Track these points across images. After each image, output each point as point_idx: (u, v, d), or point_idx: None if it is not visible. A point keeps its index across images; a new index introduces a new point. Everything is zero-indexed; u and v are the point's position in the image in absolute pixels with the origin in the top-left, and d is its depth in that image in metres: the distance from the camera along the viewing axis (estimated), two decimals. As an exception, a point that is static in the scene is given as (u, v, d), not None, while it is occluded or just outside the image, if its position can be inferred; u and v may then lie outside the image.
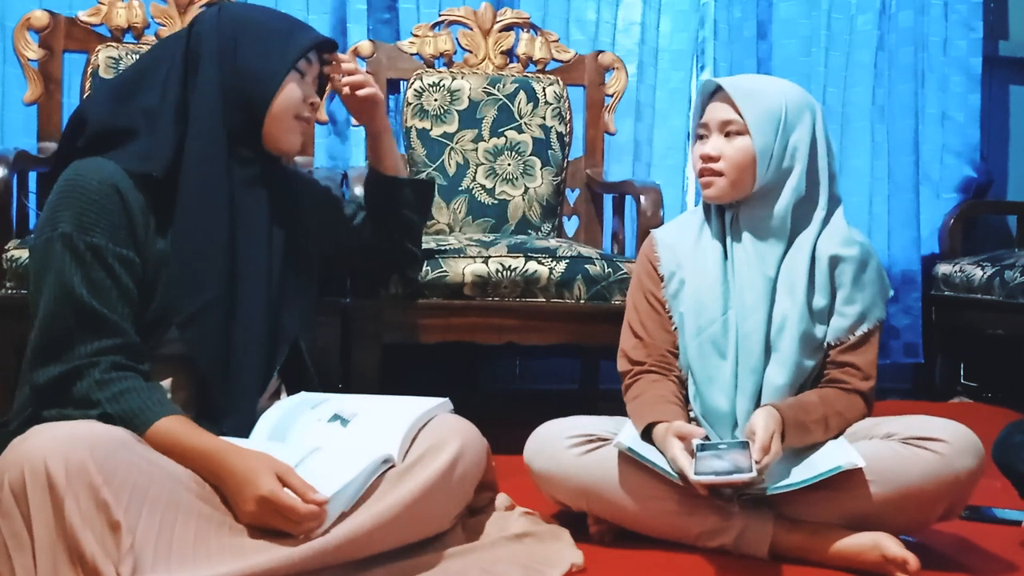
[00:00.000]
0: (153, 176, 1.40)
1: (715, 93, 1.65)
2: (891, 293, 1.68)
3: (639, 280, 1.74)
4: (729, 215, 1.66)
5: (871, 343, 1.62)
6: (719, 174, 1.61)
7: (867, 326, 1.61)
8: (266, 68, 1.48)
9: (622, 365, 1.71)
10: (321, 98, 1.60)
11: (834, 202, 1.66)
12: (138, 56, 2.41)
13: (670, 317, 1.68)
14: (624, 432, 1.57)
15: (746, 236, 1.63)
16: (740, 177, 1.61)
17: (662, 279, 1.69)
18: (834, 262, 1.61)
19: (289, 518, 1.25)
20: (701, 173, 1.63)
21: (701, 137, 1.65)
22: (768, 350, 1.59)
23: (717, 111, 1.63)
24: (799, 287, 1.59)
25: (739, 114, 1.60)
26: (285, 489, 1.26)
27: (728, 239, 1.65)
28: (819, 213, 1.63)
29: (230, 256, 1.45)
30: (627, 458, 1.52)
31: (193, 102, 1.44)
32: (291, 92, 1.50)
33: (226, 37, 1.46)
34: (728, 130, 1.61)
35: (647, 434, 1.56)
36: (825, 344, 1.61)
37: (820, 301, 1.60)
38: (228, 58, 1.46)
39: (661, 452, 1.51)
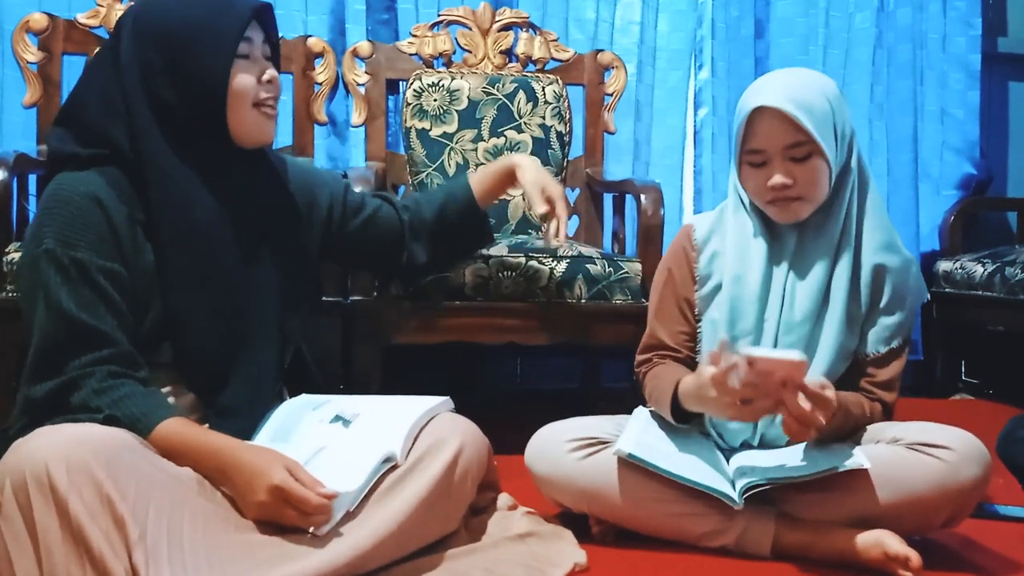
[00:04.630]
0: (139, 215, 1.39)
1: (755, 113, 1.52)
2: (927, 297, 1.64)
3: (671, 279, 1.67)
4: (795, 228, 1.58)
5: (901, 357, 1.59)
6: (796, 198, 1.53)
7: (900, 339, 1.59)
8: (206, 74, 1.39)
9: (639, 353, 1.69)
10: (277, 64, 1.49)
11: (871, 181, 1.60)
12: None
13: (697, 320, 1.64)
14: (623, 438, 1.56)
15: (807, 245, 1.58)
16: (817, 195, 1.54)
17: (695, 281, 1.64)
18: (878, 272, 1.57)
19: (300, 509, 1.26)
20: (773, 200, 1.54)
21: (757, 164, 1.54)
22: None
23: (775, 134, 1.51)
24: (839, 296, 1.56)
25: (803, 132, 1.49)
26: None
27: (789, 250, 1.58)
28: (865, 193, 1.58)
29: (226, 278, 1.44)
30: (628, 461, 1.52)
31: (139, 139, 1.39)
32: (242, 84, 1.42)
33: (152, 56, 1.39)
34: (794, 154, 1.51)
35: (678, 411, 1.54)
36: (858, 354, 1.58)
37: (859, 311, 1.57)
38: (162, 79, 1.39)
39: (686, 415, 1.53)
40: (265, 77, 1.45)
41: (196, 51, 1.39)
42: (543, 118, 2.60)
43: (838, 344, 1.56)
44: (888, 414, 1.60)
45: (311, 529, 1.27)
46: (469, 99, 2.58)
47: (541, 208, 1.82)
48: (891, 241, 1.59)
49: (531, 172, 1.84)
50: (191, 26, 1.39)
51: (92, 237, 1.34)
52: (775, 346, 1.56)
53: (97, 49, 1.48)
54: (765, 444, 1.60)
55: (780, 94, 1.51)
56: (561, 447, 1.58)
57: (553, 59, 2.70)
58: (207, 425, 1.41)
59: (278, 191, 1.57)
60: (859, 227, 1.58)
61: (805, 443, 1.54)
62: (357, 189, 1.89)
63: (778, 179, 1.52)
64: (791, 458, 1.52)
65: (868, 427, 1.58)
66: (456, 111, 2.57)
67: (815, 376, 1.43)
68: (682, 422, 1.57)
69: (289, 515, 1.26)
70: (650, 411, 1.70)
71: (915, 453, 1.47)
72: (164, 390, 1.42)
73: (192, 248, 1.41)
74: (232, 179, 1.46)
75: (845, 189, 1.57)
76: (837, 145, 1.54)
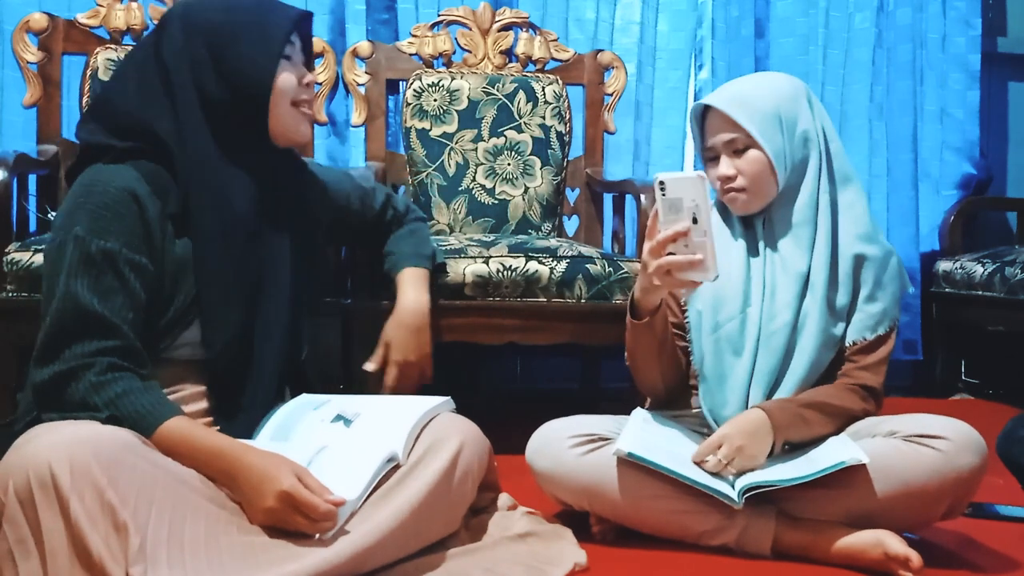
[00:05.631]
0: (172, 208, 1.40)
1: (707, 112, 1.63)
2: (911, 289, 1.69)
3: None
4: (760, 219, 1.65)
5: (887, 343, 1.62)
6: (742, 190, 1.61)
7: (886, 326, 1.61)
8: (253, 69, 1.43)
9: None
10: (311, 69, 1.55)
11: (848, 178, 1.65)
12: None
13: (683, 311, 1.68)
14: (622, 438, 1.56)
15: (778, 235, 1.63)
16: (762, 187, 1.61)
17: None
18: (858, 261, 1.61)
19: (307, 515, 1.26)
20: (724, 192, 1.63)
21: (711, 159, 1.65)
22: (789, 349, 1.59)
23: (717, 132, 1.61)
24: (819, 284, 1.59)
25: (739, 127, 1.58)
26: None
27: (759, 241, 1.64)
28: (839, 194, 1.63)
29: (251, 272, 1.45)
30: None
31: (181, 128, 1.41)
32: (285, 82, 1.46)
33: (199, 50, 1.41)
34: (735, 148, 1.60)
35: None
36: (843, 343, 1.61)
37: (841, 299, 1.60)
38: (208, 72, 1.42)
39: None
40: (305, 80, 1.50)
41: (245, 47, 1.43)
42: (543, 118, 2.60)
43: (820, 331, 1.59)
44: (877, 400, 1.61)
45: (316, 535, 1.27)
46: (469, 99, 2.58)
47: (369, 364, 1.76)
48: (870, 233, 1.64)
49: (392, 324, 1.79)
50: (241, 24, 1.44)
51: (123, 228, 1.35)
52: (759, 335, 1.61)
53: (133, 47, 1.52)
54: None
55: (722, 94, 1.64)
56: (562, 443, 1.58)
57: (553, 59, 2.70)
58: (211, 420, 1.42)
59: (303, 194, 1.60)
60: (835, 220, 1.63)
61: (803, 443, 1.56)
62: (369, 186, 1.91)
63: (721, 170, 1.62)
64: (790, 460, 1.52)
65: (862, 422, 1.59)
66: (456, 111, 2.57)
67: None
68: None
69: (296, 521, 1.26)
70: (647, 411, 1.70)
71: (912, 445, 1.48)
72: (178, 387, 1.43)
73: (222, 241, 1.42)
74: (265, 177, 1.49)
75: (807, 183, 1.62)
76: (786, 141, 1.60)
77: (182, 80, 1.42)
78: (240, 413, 1.45)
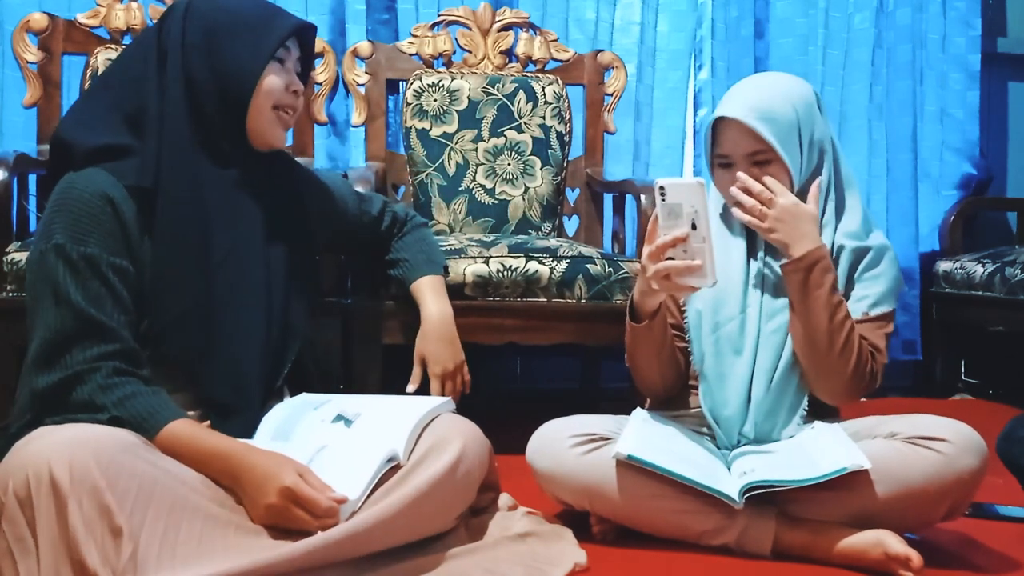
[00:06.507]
0: (146, 188, 1.40)
1: (722, 119, 1.61)
2: (904, 287, 1.69)
3: None
4: None
5: (883, 325, 1.62)
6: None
7: (880, 309, 1.61)
8: (242, 64, 1.45)
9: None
10: (305, 84, 1.56)
11: (851, 182, 1.66)
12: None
13: (682, 312, 1.68)
14: (623, 438, 1.56)
15: None
16: None
17: None
18: (851, 259, 1.62)
19: (310, 511, 1.26)
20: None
21: (723, 165, 1.63)
22: (789, 348, 1.60)
23: (738, 142, 1.59)
24: None
25: (762, 141, 1.57)
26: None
27: (759, 240, 1.64)
28: (842, 197, 1.64)
29: (216, 261, 1.45)
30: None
31: (164, 108, 1.43)
32: (271, 83, 1.48)
33: (195, 37, 1.44)
34: (756, 160, 1.59)
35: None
36: None
37: None
38: (198, 58, 1.44)
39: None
40: (292, 87, 1.51)
41: (239, 40, 1.45)
42: (543, 118, 2.60)
43: None
44: (875, 372, 1.59)
45: (318, 533, 1.27)
46: (469, 99, 2.58)
47: (410, 385, 1.75)
48: (867, 229, 1.65)
49: (423, 339, 1.78)
50: (241, 19, 1.47)
51: (101, 233, 1.36)
52: (758, 335, 1.61)
53: (140, 33, 1.55)
54: (760, 439, 1.61)
55: (743, 105, 1.59)
56: (563, 443, 1.58)
57: (553, 59, 2.70)
58: (208, 423, 1.42)
59: (297, 194, 1.60)
60: (836, 222, 1.64)
61: (805, 444, 1.56)
62: (357, 188, 1.91)
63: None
64: (791, 461, 1.52)
65: (862, 423, 1.60)
66: (456, 111, 2.57)
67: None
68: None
69: (298, 516, 1.27)
70: (647, 411, 1.70)
71: (912, 447, 1.48)
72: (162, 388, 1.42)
73: (190, 233, 1.42)
74: (247, 174, 1.49)
75: (818, 186, 1.62)
76: (803, 152, 1.60)
77: (174, 63, 1.44)
78: (230, 414, 1.44)
